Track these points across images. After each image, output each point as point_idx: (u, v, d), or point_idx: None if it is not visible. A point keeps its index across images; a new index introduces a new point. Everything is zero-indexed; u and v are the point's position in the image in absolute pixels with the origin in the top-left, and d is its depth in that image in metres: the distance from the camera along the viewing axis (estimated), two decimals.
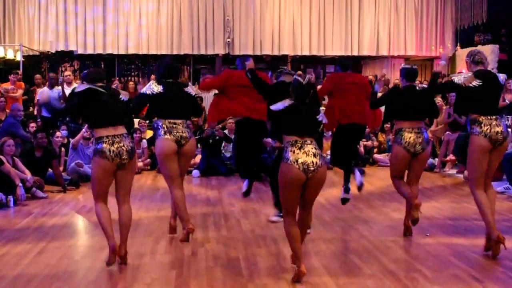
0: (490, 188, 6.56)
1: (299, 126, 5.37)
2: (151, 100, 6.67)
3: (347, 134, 8.19)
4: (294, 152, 5.24)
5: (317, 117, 5.53)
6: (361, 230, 7.43)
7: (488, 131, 6.31)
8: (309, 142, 5.32)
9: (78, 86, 5.94)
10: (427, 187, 10.57)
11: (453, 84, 6.57)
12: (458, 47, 18.94)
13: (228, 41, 18.59)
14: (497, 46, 16.97)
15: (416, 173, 7.10)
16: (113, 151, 5.67)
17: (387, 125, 14.05)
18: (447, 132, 12.59)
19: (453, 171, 12.50)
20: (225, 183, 11.38)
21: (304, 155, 5.23)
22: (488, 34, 17.57)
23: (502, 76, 6.65)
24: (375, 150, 14.15)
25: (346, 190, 8.24)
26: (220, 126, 13.35)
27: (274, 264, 5.98)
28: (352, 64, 9.10)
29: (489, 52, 16.92)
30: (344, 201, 8.26)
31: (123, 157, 5.73)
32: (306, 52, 18.95)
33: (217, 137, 12.47)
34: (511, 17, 17.33)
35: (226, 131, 13.10)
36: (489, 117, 6.36)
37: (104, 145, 5.66)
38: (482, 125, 6.33)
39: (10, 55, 17.83)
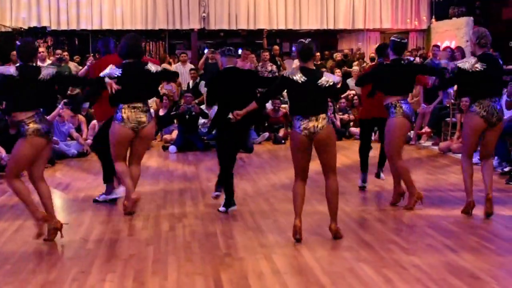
0: (489, 160, 6.96)
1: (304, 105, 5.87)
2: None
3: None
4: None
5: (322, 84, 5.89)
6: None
7: (485, 112, 6.61)
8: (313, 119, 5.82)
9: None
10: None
11: (461, 72, 6.68)
12: (433, 20, 18.98)
13: (204, 16, 18.43)
14: (471, 18, 17.01)
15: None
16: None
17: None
18: (423, 105, 12.63)
19: (429, 143, 12.61)
20: (202, 158, 11.38)
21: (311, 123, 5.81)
22: (463, 6, 17.61)
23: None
24: (352, 123, 14.20)
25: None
26: (196, 101, 13.32)
27: (252, 238, 6.01)
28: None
29: (464, 24, 17.00)
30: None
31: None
32: (282, 26, 18.83)
33: (194, 113, 12.41)
34: None
35: (203, 106, 13.06)
36: (489, 99, 6.63)
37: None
38: (481, 106, 6.61)
39: None
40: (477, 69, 6.53)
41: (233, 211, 7.10)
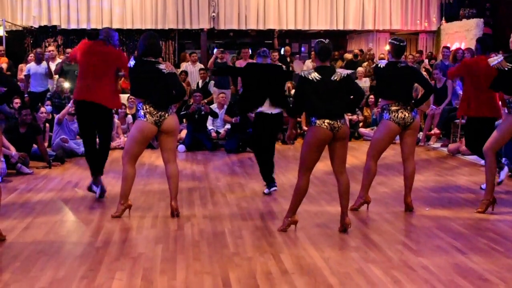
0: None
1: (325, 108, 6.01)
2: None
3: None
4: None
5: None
6: None
7: None
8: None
9: None
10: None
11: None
12: (443, 21, 18.95)
13: (213, 16, 18.45)
14: (482, 20, 17.01)
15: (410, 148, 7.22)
16: None
17: (372, 100, 14.10)
18: (432, 106, 12.63)
19: (438, 145, 12.59)
20: (210, 158, 11.40)
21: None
22: (473, 8, 17.59)
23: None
24: (361, 124, 14.19)
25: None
26: (206, 101, 13.34)
27: (260, 238, 6.02)
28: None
29: (474, 26, 16.99)
30: None
31: None
32: (291, 27, 18.83)
33: (203, 112, 12.42)
34: None
35: (213, 106, 13.07)
36: None
37: None
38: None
39: None
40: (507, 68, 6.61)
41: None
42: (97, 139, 7.97)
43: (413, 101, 7.03)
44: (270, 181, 8.10)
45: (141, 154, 6.92)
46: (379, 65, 7.21)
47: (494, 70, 6.83)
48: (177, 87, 6.87)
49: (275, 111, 7.96)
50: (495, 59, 6.73)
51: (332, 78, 6.02)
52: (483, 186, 7.81)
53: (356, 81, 15.15)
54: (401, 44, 7.09)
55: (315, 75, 6.01)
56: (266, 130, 8.07)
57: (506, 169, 8.14)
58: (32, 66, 13.41)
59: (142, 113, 6.60)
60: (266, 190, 8.07)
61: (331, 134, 5.97)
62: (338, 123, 5.96)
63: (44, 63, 13.41)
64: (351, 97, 6.30)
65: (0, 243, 5.81)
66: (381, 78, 7.22)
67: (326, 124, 5.92)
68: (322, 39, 6.16)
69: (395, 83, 6.95)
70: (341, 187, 6.26)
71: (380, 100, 7.28)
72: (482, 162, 8.36)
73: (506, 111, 6.88)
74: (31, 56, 14.05)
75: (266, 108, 7.94)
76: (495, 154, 7.03)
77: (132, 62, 6.77)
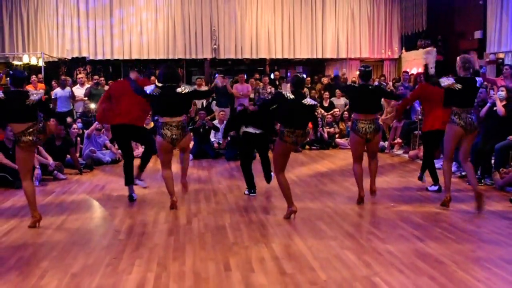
0: (467, 161, 6.98)
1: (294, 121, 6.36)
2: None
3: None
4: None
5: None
6: (325, 201, 7.48)
7: (464, 122, 6.69)
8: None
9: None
10: (379, 165, 10.61)
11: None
12: (403, 50, 19.02)
13: (215, 47, 18.48)
14: (435, 49, 17.06)
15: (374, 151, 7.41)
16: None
17: (346, 115, 14.12)
18: (395, 120, 12.65)
19: (400, 152, 12.60)
20: (213, 164, 11.38)
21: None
22: (428, 39, 17.65)
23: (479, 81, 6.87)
24: (337, 135, 14.20)
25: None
26: (209, 117, 13.33)
27: (254, 230, 6.00)
28: None
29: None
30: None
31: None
32: (279, 56, 18.86)
33: (207, 127, 12.44)
34: (445, 26, 17.43)
35: (215, 121, 13.09)
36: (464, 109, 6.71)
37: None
38: (459, 117, 6.70)
39: (33, 61, 17.71)
40: (456, 88, 6.60)
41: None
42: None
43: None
44: (252, 188, 7.98)
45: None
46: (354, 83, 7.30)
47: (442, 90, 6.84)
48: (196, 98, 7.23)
49: (258, 131, 7.91)
50: (445, 81, 6.72)
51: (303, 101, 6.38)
52: (429, 187, 8.12)
53: (333, 98, 15.32)
54: (367, 69, 7.18)
55: (289, 95, 6.36)
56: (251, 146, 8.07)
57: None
58: (58, 91, 13.51)
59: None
60: (246, 192, 7.99)
61: (293, 147, 6.50)
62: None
63: (67, 88, 13.50)
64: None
65: (39, 236, 5.80)
66: (354, 95, 7.26)
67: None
68: (297, 73, 6.53)
69: (366, 101, 7.03)
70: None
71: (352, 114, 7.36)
72: (437, 165, 8.37)
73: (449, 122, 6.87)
74: (54, 83, 14.09)
75: (251, 129, 7.93)
76: (450, 160, 7.01)
77: (151, 88, 6.75)
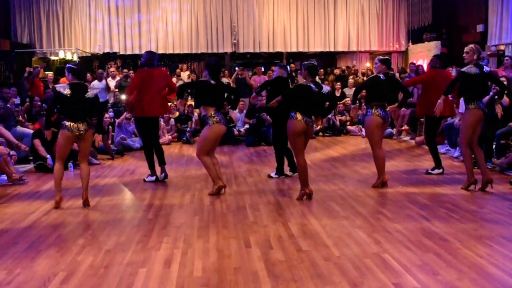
0: (478, 146, 6.84)
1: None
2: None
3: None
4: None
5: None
6: (338, 183, 7.45)
7: (477, 107, 6.58)
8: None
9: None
10: (387, 150, 10.54)
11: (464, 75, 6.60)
12: (410, 43, 18.84)
13: (234, 42, 18.45)
14: (440, 42, 16.87)
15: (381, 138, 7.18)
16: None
17: (357, 104, 14.03)
18: (403, 108, 12.52)
19: (407, 138, 12.50)
20: (234, 150, 11.39)
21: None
22: (433, 33, 17.45)
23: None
24: (348, 123, 14.13)
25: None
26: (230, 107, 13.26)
27: (272, 210, 6.01)
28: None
29: (434, 47, 16.84)
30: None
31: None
32: (294, 49, 18.81)
33: (228, 116, 12.39)
34: (449, 20, 17.19)
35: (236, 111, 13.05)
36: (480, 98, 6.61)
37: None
38: (476, 105, 6.56)
39: (68, 56, 17.83)
40: (472, 73, 6.49)
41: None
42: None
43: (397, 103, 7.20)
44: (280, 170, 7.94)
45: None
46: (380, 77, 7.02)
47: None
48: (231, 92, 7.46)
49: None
50: (473, 70, 6.53)
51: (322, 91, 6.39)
52: (430, 170, 8.02)
53: (345, 88, 15.24)
54: (385, 57, 7.16)
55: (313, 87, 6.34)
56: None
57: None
58: (95, 83, 13.55)
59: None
60: (289, 173, 7.94)
61: (306, 127, 6.31)
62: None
63: (103, 81, 13.57)
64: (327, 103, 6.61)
65: (76, 216, 5.86)
66: (373, 86, 7.07)
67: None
68: (311, 61, 6.48)
69: (385, 90, 6.98)
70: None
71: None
72: (442, 150, 8.28)
73: (461, 109, 6.76)
74: (89, 76, 14.20)
75: None
76: (468, 145, 6.75)
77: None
